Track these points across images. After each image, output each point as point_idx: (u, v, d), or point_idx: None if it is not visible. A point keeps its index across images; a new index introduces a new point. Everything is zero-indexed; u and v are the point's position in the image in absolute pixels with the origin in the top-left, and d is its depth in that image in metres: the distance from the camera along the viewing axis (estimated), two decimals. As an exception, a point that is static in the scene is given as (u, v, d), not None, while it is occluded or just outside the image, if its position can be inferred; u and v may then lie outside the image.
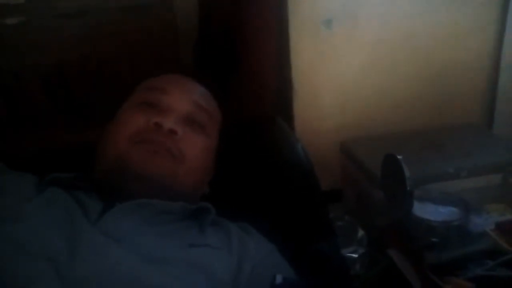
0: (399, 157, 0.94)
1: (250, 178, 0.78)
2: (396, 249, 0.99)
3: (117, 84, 1.01)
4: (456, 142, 1.20)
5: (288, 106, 1.26)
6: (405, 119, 1.33)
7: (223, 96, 0.88)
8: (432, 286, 0.86)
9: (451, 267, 0.89)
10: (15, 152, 0.84)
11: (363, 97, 1.32)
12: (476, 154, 1.14)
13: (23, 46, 0.98)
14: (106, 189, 0.60)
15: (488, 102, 1.38)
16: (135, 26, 1.02)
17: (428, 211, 0.96)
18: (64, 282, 0.47)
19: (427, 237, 0.93)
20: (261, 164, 0.80)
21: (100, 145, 0.66)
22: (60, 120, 1.02)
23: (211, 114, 0.70)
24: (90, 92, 1.03)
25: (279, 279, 0.54)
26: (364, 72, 1.30)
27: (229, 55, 1.05)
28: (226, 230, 0.64)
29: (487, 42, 1.33)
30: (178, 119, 0.64)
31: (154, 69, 1.01)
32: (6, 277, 0.47)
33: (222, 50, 1.06)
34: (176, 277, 0.52)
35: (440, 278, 0.87)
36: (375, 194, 1.08)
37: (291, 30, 1.19)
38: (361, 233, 1.09)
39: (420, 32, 1.28)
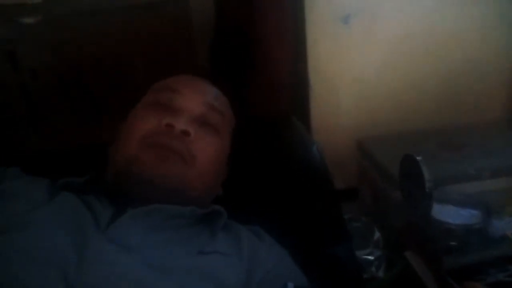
0: (418, 158, 0.92)
1: (263, 179, 0.77)
2: (414, 252, 0.97)
3: (132, 82, 1.02)
4: (477, 142, 1.17)
5: (304, 104, 1.24)
6: (424, 117, 1.30)
7: (238, 95, 0.87)
8: (450, 291, 0.85)
9: (470, 272, 0.86)
10: (31, 151, 0.86)
11: (381, 95, 1.30)
12: (498, 154, 1.11)
13: (40, 45, 1.00)
14: (118, 193, 0.59)
15: (509, 100, 1.34)
16: (150, 24, 1.02)
17: (447, 214, 0.94)
18: None
19: (446, 240, 0.91)
20: (275, 165, 0.79)
21: (113, 145, 0.66)
22: (75, 119, 1.03)
23: (224, 115, 0.69)
24: (105, 90, 1.04)
25: (290, 287, 0.53)
26: (382, 69, 1.28)
27: (244, 52, 1.04)
28: (238, 235, 0.63)
29: (509, 38, 1.29)
30: (190, 120, 0.63)
31: (169, 67, 1.01)
32: (15, 284, 0.47)
33: (237, 47, 1.05)
34: (184, 285, 0.52)
35: (458, 283, 0.84)
36: (393, 195, 1.06)
37: (307, 26, 1.18)
38: (377, 234, 1.08)
39: (440, 28, 1.25)
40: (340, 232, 0.76)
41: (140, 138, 0.61)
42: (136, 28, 1.00)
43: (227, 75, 1.04)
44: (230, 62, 1.06)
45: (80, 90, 1.02)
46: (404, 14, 1.23)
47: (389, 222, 1.10)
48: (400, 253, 0.99)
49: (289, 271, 0.62)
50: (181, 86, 0.68)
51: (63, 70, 1.01)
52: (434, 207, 0.93)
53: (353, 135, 1.30)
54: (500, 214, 0.97)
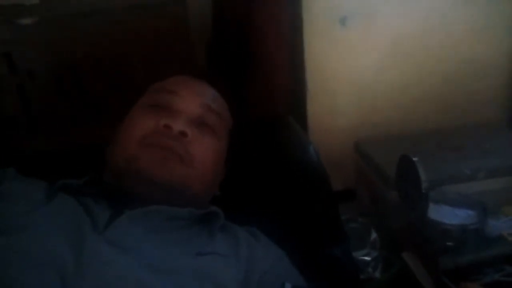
0: (414, 159, 0.93)
1: (260, 180, 0.78)
2: (411, 253, 0.98)
3: (131, 83, 1.02)
4: (474, 143, 1.17)
5: (302, 105, 1.25)
6: (422, 118, 1.30)
7: (236, 96, 0.87)
8: (447, 292, 0.85)
9: (467, 272, 0.87)
10: (30, 152, 0.86)
11: (379, 96, 1.30)
12: (495, 155, 1.11)
13: (38, 46, 0.99)
14: (116, 193, 0.60)
15: (508, 101, 1.35)
16: (148, 25, 1.02)
17: (443, 214, 0.94)
18: None
19: (443, 241, 0.91)
20: (272, 166, 0.79)
21: (110, 146, 0.66)
22: (74, 120, 1.03)
23: (222, 116, 0.69)
24: (104, 91, 1.04)
25: (288, 287, 0.53)
26: (380, 70, 1.28)
27: (241, 54, 1.04)
28: (235, 236, 0.63)
29: (507, 39, 1.29)
30: (188, 121, 0.64)
31: (167, 68, 1.02)
32: (13, 286, 0.47)
33: (234, 49, 1.05)
34: (183, 286, 0.52)
35: (455, 284, 0.85)
36: (390, 196, 1.06)
37: (305, 27, 1.18)
38: (374, 235, 1.08)
39: (438, 28, 1.25)
40: (337, 233, 0.77)
41: (139, 138, 0.61)
42: (135, 29, 1.00)
43: (225, 75, 1.04)
44: (228, 62, 1.06)
45: (79, 90, 1.02)
46: (401, 15, 1.23)
47: (386, 223, 1.10)
48: (397, 253, 1.00)
49: (286, 271, 0.63)
50: (178, 87, 0.68)
51: (61, 70, 1.01)
52: (430, 208, 0.94)
53: (350, 136, 1.30)
54: (496, 214, 0.97)
